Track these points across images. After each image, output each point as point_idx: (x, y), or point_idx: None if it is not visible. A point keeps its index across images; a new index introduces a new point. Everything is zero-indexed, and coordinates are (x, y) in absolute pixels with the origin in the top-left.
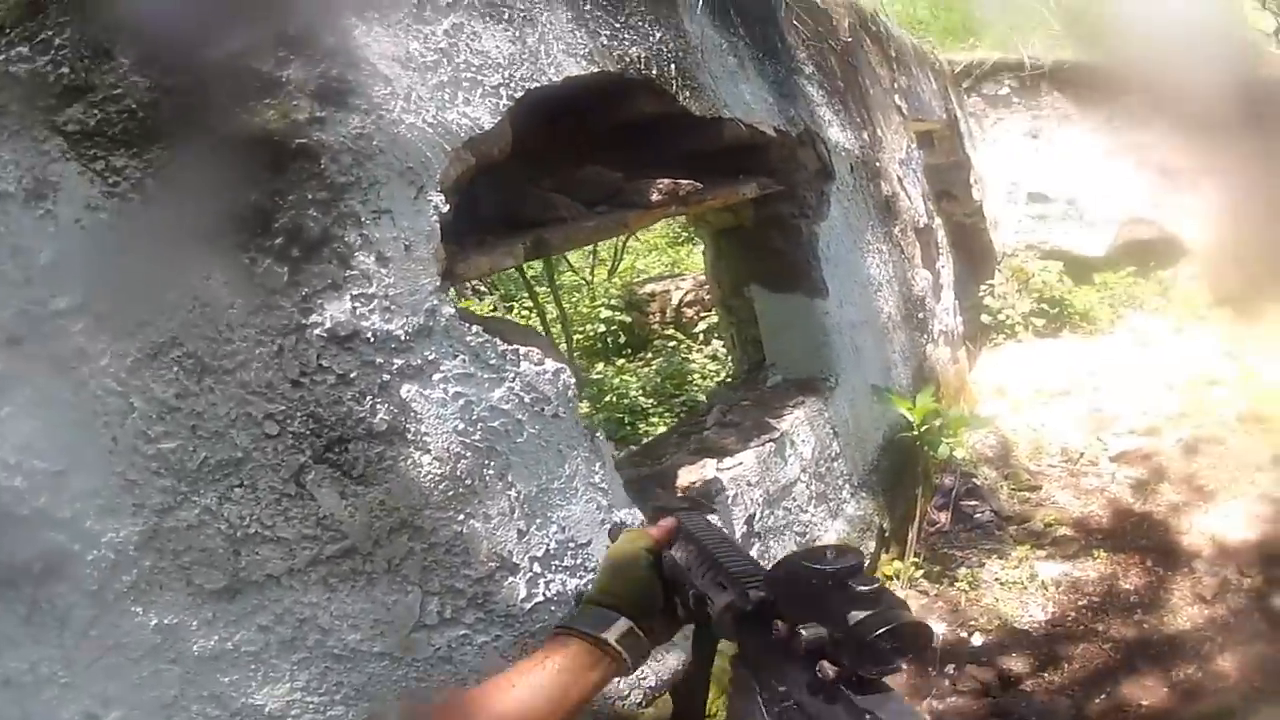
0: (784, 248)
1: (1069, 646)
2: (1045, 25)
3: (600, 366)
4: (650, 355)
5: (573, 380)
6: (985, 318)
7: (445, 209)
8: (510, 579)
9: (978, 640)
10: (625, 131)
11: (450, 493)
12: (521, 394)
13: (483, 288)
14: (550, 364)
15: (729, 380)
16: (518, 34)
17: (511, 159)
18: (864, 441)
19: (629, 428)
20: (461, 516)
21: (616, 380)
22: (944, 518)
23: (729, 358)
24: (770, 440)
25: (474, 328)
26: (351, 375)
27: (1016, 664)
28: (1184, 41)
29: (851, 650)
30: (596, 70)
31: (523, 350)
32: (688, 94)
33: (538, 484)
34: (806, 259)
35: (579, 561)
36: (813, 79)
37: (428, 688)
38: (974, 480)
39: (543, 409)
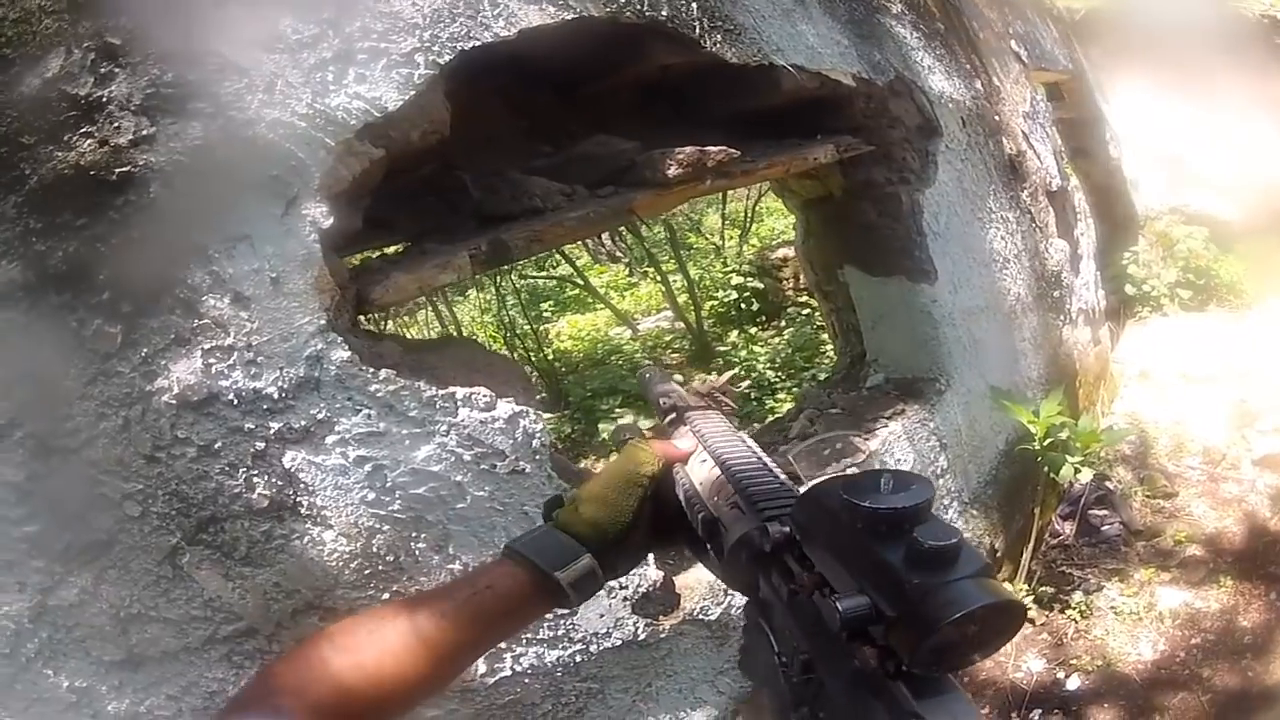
0: (880, 221)
1: (1168, 695)
2: None
3: (733, 335)
4: (783, 324)
5: (539, 426)
6: (1129, 289)
7: (328, 223)
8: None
9: (1074, 684)
10: (663, 93)
11: (366, 571)
12: (459, 450)
13: (618, 253)
14: (504, 408)
15: (826, 376)
16: None
17: (511, 134)
18: (980, 450)
19: (755, 403)
20: (386, 595)
21: (744, 352)
22: (1069, 529)
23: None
24: (852, 465)
25: (383, 373)
26: (216, 446)
27: (1106, 715)
28: None
29: (909, 636)
30: (572, 17)
31: (461, 394)
32: (719, 38)
33: (493, 553)
34: (908, 234)
35: (557, 634)
36: (903, 19)
37: None
38: (1107, 485)
39: (494, 465)
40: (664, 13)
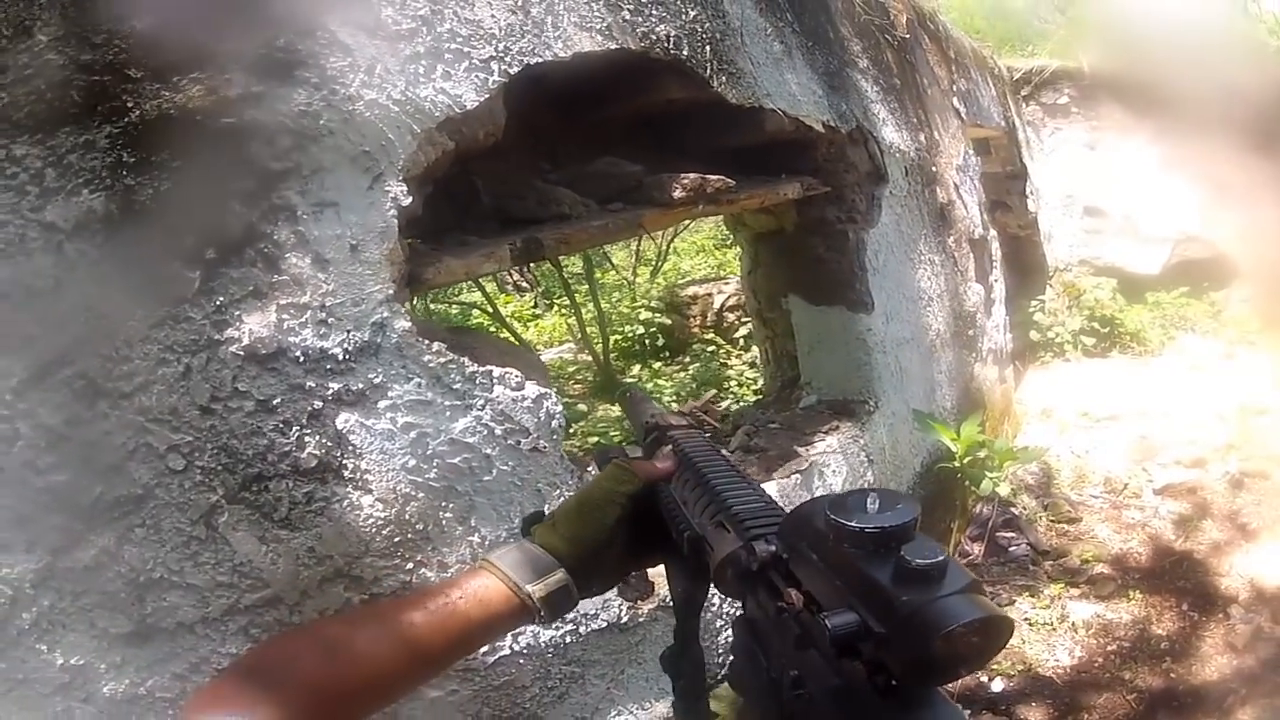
0: (827, 255)
1: (1092, 695)
2: (1101, 33)
3: (636, 369)
4: (688, 359)
5: (559, 408)
6: (1034, 334)
7: (407, 201)
8: None
9: (998, 686)
10: (653, 122)
11: (396, 539)
12: (492, 424)
13: (524, 284)
14: (532, 388)
15: (760, 396)
16: (520, 2)
17: (519, 148)
18: (900, 470)
19: None
20: (410, 565)
21: (650, 384)
22: (978, 550)
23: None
24: (797, 471)
25: (435, 345)
26: (274, 401)
27: (1035, 714)
28: (1225, 52)
29: (902, 653)
30: (615, 47)
31: (497, 373)
32: (723, 79)
33: (508, 527)
34: (852, 269)
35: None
36: (867, 73)
37: None
38: (1012, 510)
39: (519, 441)
40: (685, 53)
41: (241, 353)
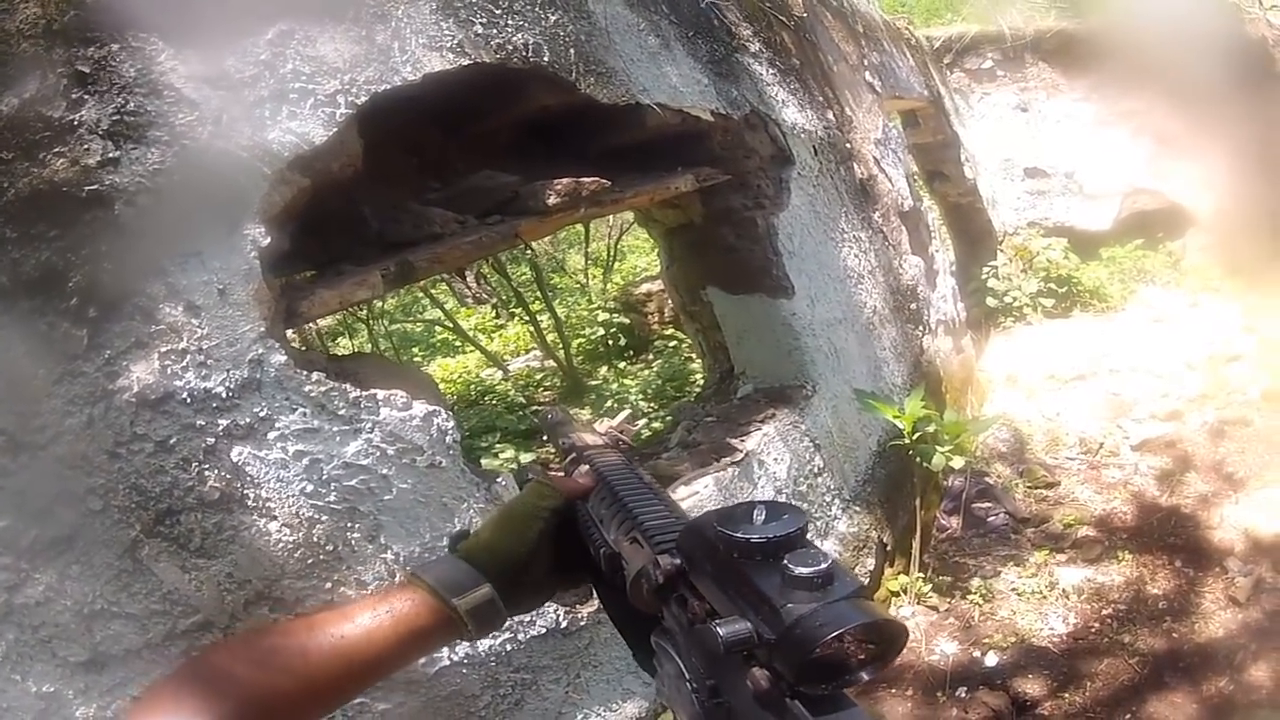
0: (738, 244)
1: (1092, 662)
2: None
3: (603, 370)
4: (651, 357)
5: (451, 424)
6: (991, 301)
7: (265, 242)
8: None
9: (992, 660)
10: (542, 130)
11: (309, 560)
12: (384, 445)
13: (483, 295)
14: (420, 407)
15: (699, 393)
16: (364, 33)
17: (403, 170)
18: (854, 451)
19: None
20: (329, 585)
21: (616, 385)
22: (955, 523)
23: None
24: (733, 463)
25: (314, 375)
26: (171, 441)
27: (1034, 685)
28: (1166, 3)
29: (790, 658)
30: (469, 63)
31: (382, 395)
32: (591, 81)
33: (420, 543)
34: (765, 255)
35: None
36: (760, 57)
37: None
38: (986, 480)
39: (414, 460)
40: (545, 58)
41: (134, 399)
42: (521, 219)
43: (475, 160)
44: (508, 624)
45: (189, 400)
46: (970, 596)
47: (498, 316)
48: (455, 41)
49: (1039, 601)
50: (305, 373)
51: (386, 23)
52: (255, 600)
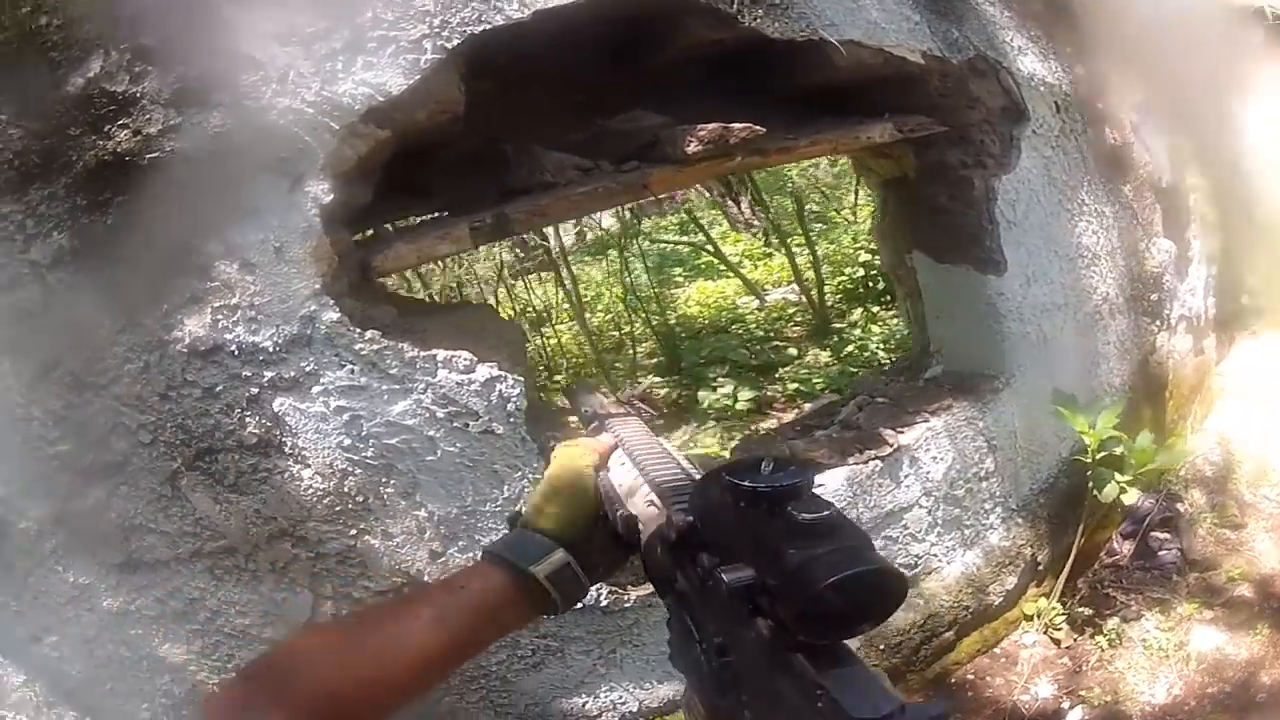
0: (950, 205)
1: None
2: None
3: (856, 313)
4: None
5: (516, 390)
6: (1245, 299)
7: (328, 199)
8: None
9: (1074, 716)
10: (736, 64)
11: (337, 508)
12: (433, 408)
13: (755, 221)
14: (484, 371)
15: (893, 362)
16: None
17: (558, 108)
18: (1039, 455)
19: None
20: (354, 532)
21: (859, 331)
22: (1127, 549)
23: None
24: (876, 458)
25: (369, 333)
26: (217, 389)
27: None
28: None
29: (791, 604)
30: None
31: (442, 356)
32: (759, 13)
33: (460, 505)
34: (979, 221)
35: None
36: None
37: None
38: (1177, 506)
39: (466, 424)
40: None
41: (186, 350)
42: (657, 168)
43: (650, 96)
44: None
45: (236, 353)
46: (1099, 638)
47: (766, 244)
48: None
49: (1159, 660)
50: (358, 331)
51: None
52: (279, 536)
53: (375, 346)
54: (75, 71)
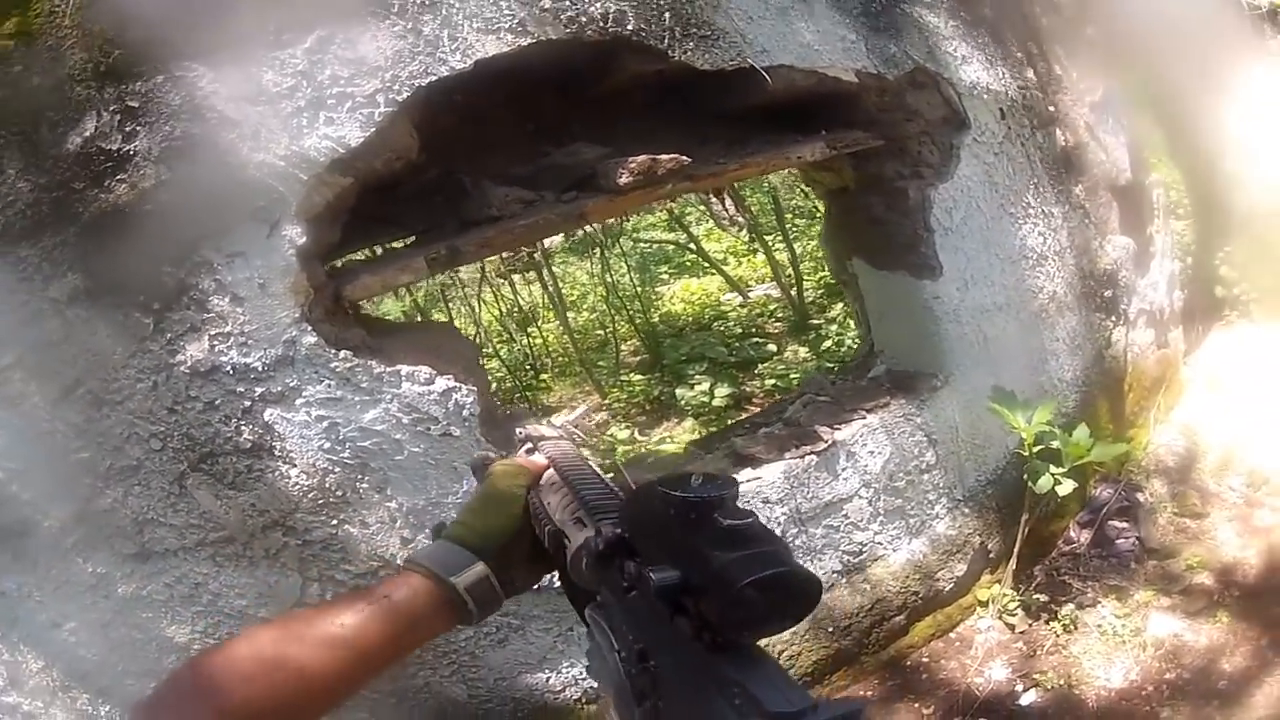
0: (886, 216)
1: None
2: None
3: (836, 309)
4: None
5: (470, 399)
6: (1219, 290)
7: (302, 241)
8: None
9: (1028, 698)
10: (680, 89)
11: (320, 501)
12: (399, 415)
13: (740, 219)
14: (442, 383)
15: (841, 364)
16: (410, 25)
17: (516, 139)
18: (984, 449)
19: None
20: (335, 521)
21: (837, 326)
22: (1084, 537)
23: None
24: (812, 452)
25: (342, 353)
26: (216, 402)
27: None
28: None
29: (713, 603)
30: (530, 41)
31: (405, 370)
32: (690, 46)
33: (425, 498)
34: (914, 230)
35: None
36: (937, 6)
37: None
38: (1136, 495)
39: (428, 429)
40: (629, 27)
41: (188, 370)
42: (593, 198)
43: (599, 124)
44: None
45: (231, 372)
46: (1053, 624)
47: (751, 241)
48: (516, 21)
49: (1115, 646)
50: (334, 351)
51: (436, 11)
52: (271, 526)
53: (348, 364)
54: (73, 131)
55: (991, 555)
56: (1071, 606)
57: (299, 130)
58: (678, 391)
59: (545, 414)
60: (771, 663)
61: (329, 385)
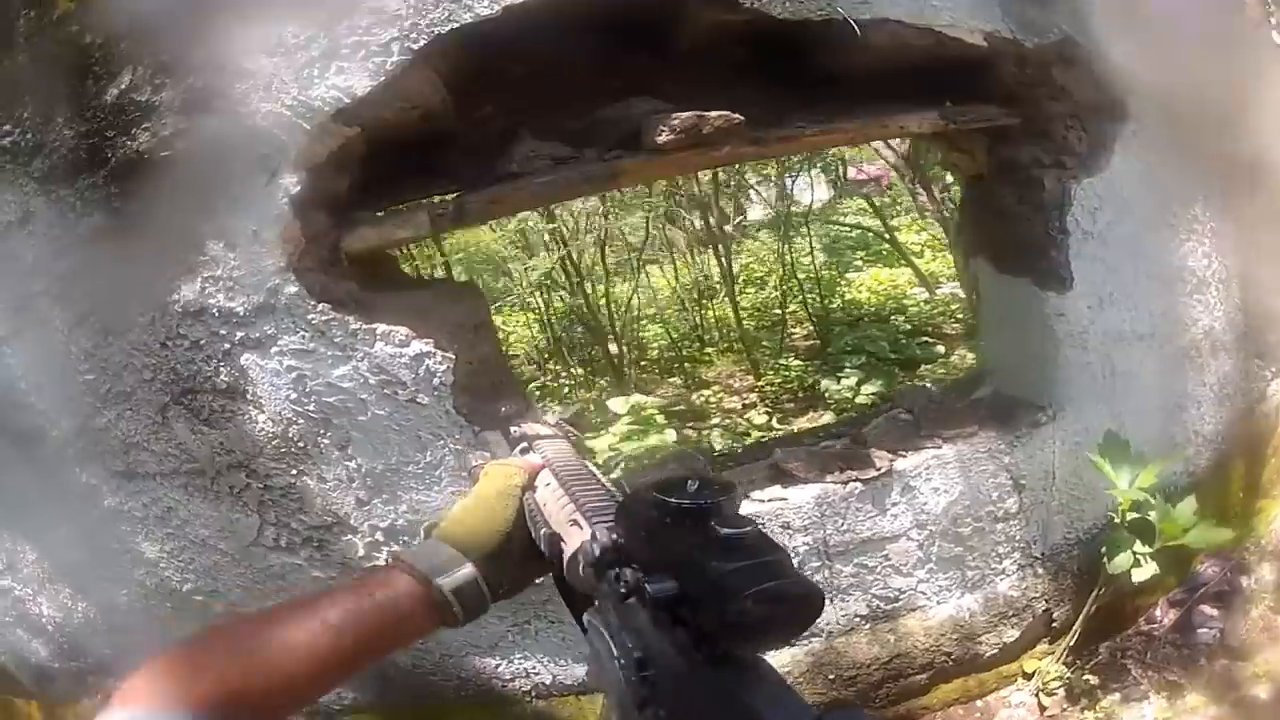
0: (1016, 209)
1: None
2: None
3: None
4: None
5: (444, 367)
6: None
7: (296, 190)
8: (348, 537)
9: None
10: (772, 52)
11: (283, 450)
12: (368, 374)
13: (945, 212)
14: (416, 346)
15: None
16: None
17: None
18: (1081, 502)
19: None
20: (294, 472)
21: None
22: (1169, 619)
23: None
24: (858, 479)
25: (320, 306)
26: (201, 342)
27: None
28: None
29: (711, 614)
30: None
31: (381, 329)
32: None
33: (384, 463)
34: (1046, 229)
35: None
36: None
37: (250, 594)
38: (1241, 579)
39: (395, 392)
40: None
41: (180, 310)
42: (633, 157)
43: (687, 80)
44: None
45: (217, 314)
46: (1088, 713)
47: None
48: None
49: None
50: (314, 303)
51: None
52: (236, 466)
53: (324, 317)
54: (112, 84)
55: (1055, 624)
56: (1116, 698)
57: (309, 80)
58: (824, 382)
59: (701, 387)
60: (772, 673)
61: (303, 336)
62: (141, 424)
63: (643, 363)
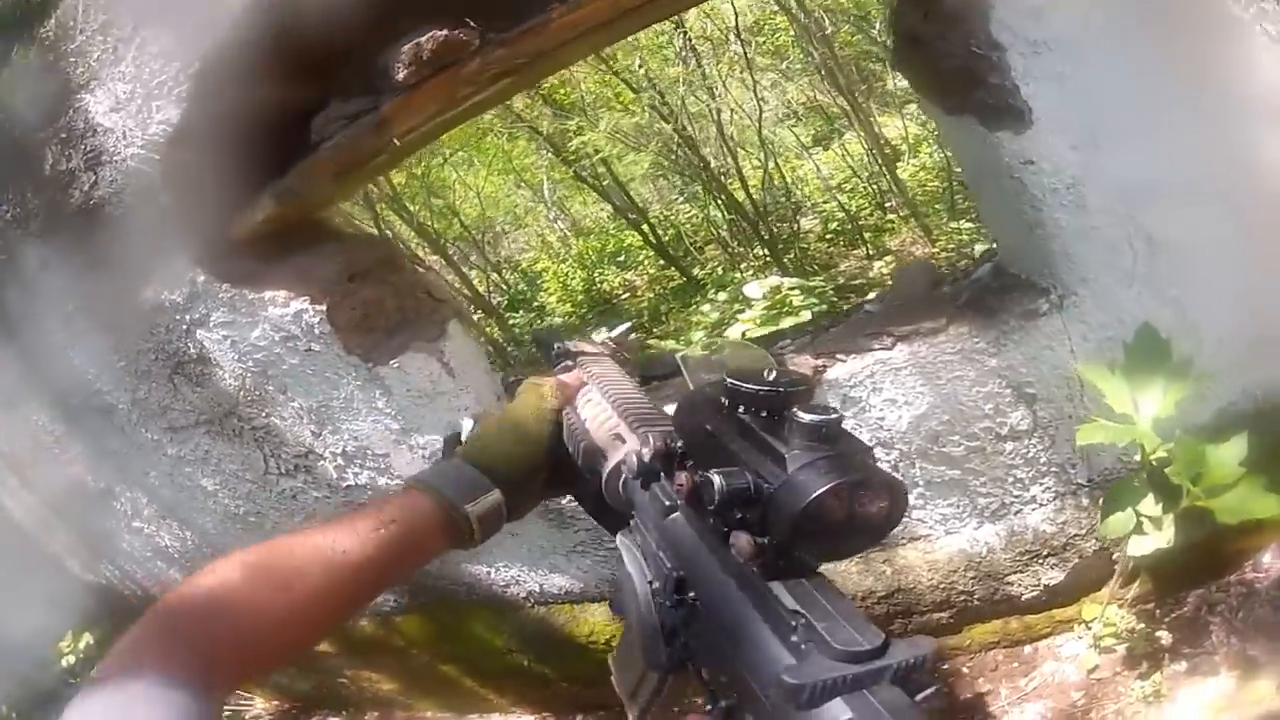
0: (922, 26)
1: None
2: None
3: None
4: None
5: (316, 319)
6: None
7: (171, 204)
8: (321, 463)
9: None
10: None
11: (249, 399)
12: (273, 334)
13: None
14: (294, 306)
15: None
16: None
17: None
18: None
19: None
20: (265, 414)
21: None
22: (1276, 571)
23: None
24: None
25: (224, 285)
26: (169, 327)
27: None
28: None
29: (786, 508)
30: None
31: (268, 296)
32: None
33: (316, 400)
34: (965, 47)
35: (380, 466)
36: None
37: (282, 512)
38: None
39: (295, 345)
40: None
41: (150, 307)
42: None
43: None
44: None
45: (169, 306)
46: (1138, 683)
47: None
48: None
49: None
50: (220, 284)
51: None
52: (229, 414)
53: (229, 294)
54: (44, 161)
55: (1115, 564)
56: (1181, 668)
57: (145, 122)
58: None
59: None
60: (836, 591)
61: (224, 311)
62: (163, 391)
63: (827, 236)
